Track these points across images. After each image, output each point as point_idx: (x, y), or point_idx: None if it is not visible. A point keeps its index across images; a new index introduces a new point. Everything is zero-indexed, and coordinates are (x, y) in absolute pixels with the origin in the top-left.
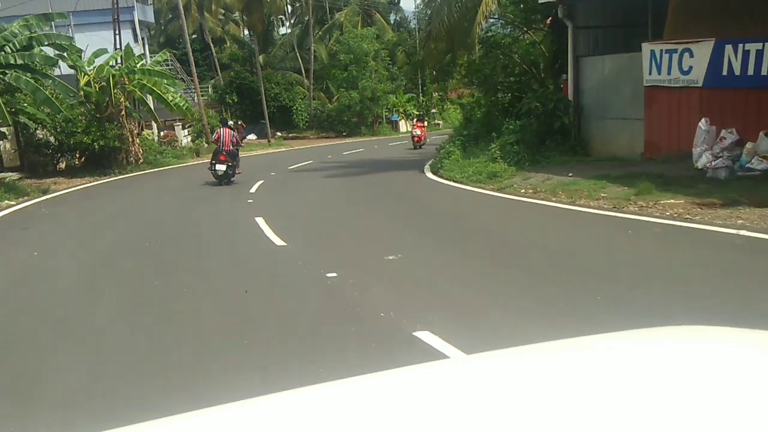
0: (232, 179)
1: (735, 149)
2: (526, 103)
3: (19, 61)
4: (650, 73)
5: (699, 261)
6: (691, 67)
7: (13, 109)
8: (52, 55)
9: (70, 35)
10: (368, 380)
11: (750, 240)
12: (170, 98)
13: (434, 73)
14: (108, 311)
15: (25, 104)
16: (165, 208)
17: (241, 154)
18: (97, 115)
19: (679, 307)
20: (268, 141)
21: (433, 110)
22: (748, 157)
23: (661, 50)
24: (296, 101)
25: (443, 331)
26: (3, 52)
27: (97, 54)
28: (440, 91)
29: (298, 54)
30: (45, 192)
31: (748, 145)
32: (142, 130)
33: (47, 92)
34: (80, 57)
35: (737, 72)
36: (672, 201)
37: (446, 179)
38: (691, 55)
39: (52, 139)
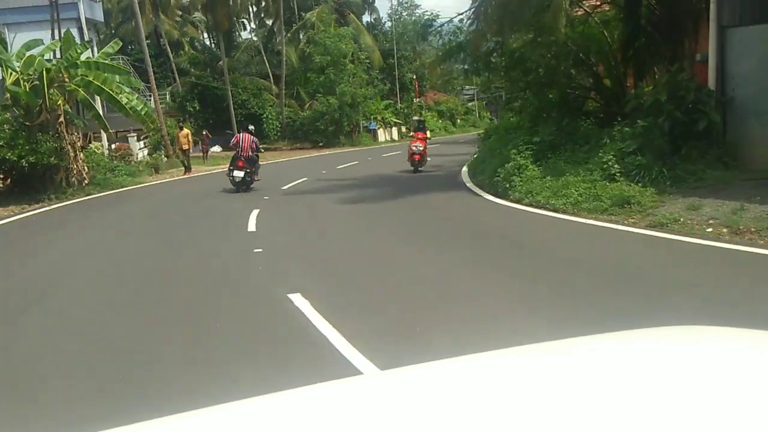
0: (251, 186)
1: None
2: (654, 95)
3: None
4: None
5: None
6: None
7: None
8: None
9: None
10: (368, 380)
11: None
12: (125, 100)
13: (475, 65)
14: None
15: None
16: (125, 271)
17: (207, 171)
18: (27, 123)
19: None
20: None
21: (415, 117)
22: None
23: None
24: (266, 109)
25: None
26: None
27: (28, 46)
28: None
29: (265, 58)
30: None
31: None
32: (89, 142)
33: None
34: (5, 49)
35: None
36: None
37: (528, 205)
38: None
39: None
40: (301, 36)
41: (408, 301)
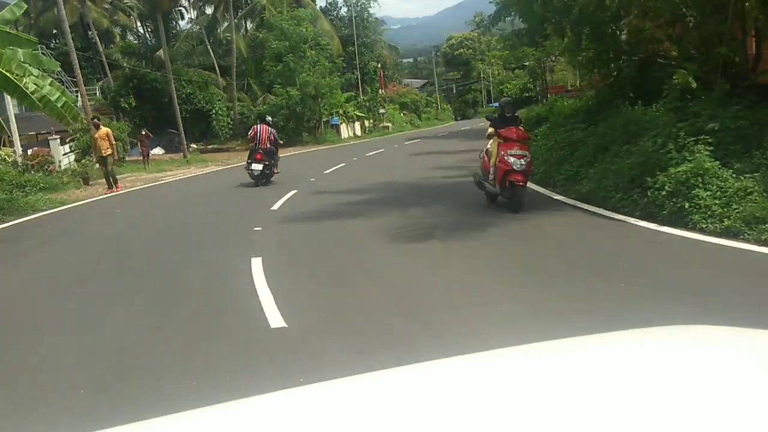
0: (271, 179)
1: None
2: None
3: None
4: None
5: None
6: None
7: None
8: None
9: None
10: (367, 380)
11: None
12: (31, 87)
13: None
14: None
15: None
16: None
17: (149, 181)
18: None
19: None
20: (184, 156)
21: (382, 111)
22: None
23: None
24: (214, 104)
25: None
26: None
27: None
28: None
29: (209, 47)
30: None
31: None
32: None
33: None
34: None
35: None
36: None
37: (747, 241)
38: None
39: None
40: (248, 23)
41: None
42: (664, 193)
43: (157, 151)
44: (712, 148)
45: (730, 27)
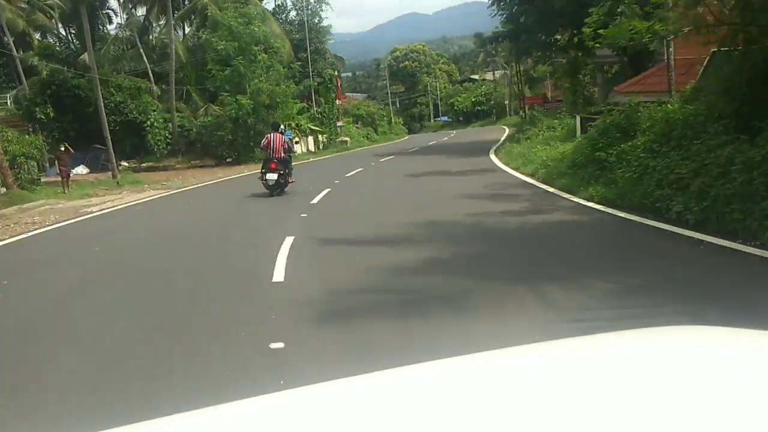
0: (285, 189)
1: None
2: None
3: None
4: None
5: None
6: None
7: None
8: None
9: None
10: (367, 380)
11: None
12: None
13: None
14: None
15: None
16: None
17: (62, 216)
18: None
19: None
20: (114, 176)
21: (339, 124)
22: None
23: None
24: (149, 114)
25: None
26: None
27: None
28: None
29: (142, 51)
30: None
31: None
32: None
33: None
34: None
35: None
36: None
37: None
38: None
39: None
40: (186, 26)
41: None
42: None
43: (80, 170)
44: None
45: None
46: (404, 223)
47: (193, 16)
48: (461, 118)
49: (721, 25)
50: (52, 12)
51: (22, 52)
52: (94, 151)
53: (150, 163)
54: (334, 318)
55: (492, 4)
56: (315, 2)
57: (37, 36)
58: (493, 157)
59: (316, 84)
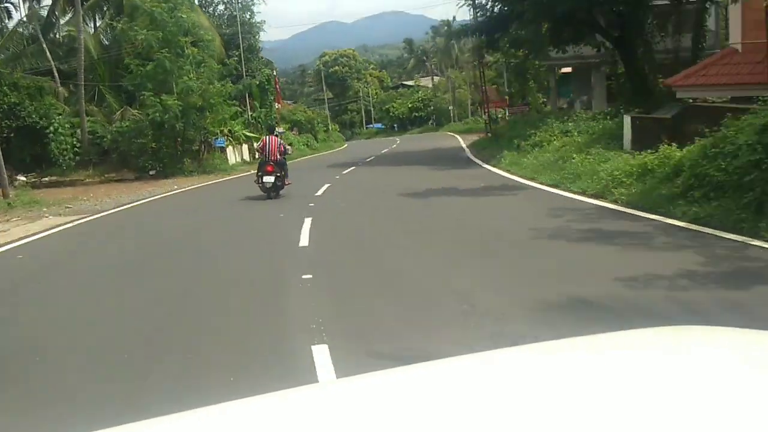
0: (280, 192)
1: None
2: None
3: None
4: None
5: None
6: None
7: None
8: None
9: None
10: (367, 380)
11: None
12: None
13: None
14: None
15: None
16: None
17: None
18: None
19: None
20: (4, 195)
21: (280, 130)
22: None
23: None
24: (52, 119)
25: None
26: None
27: None
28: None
29: (45, 47)
30: None
31: None
32: None
33: None
34: None
35: None
36: None
37: None
38: None
39: None
40: (98, 18)
41: None
42: None
43: None
44: None
45: None
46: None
47: (105, 7)
48: (396, 125)
49: None
50: None
51: None
52: None
53: (54, 177)
54: None
55: None
56: None
57: None
58: (493, 168)
59: (257, 81)
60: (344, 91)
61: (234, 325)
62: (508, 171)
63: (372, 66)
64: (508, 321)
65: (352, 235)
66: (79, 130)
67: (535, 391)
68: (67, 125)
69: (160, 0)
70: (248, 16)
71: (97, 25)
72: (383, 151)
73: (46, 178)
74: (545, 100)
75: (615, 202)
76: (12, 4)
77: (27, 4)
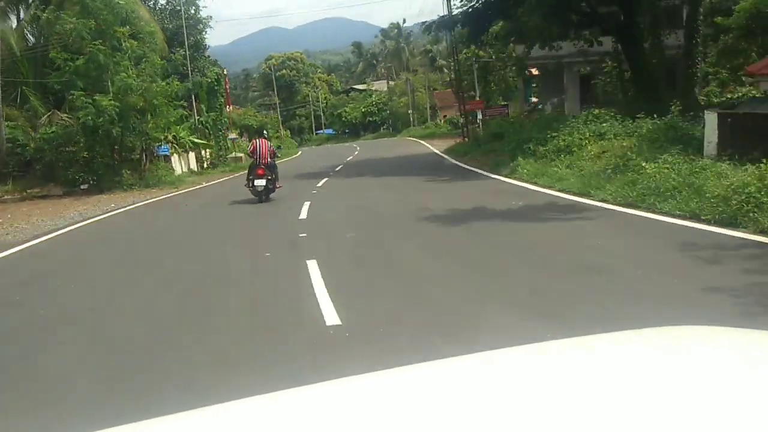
0: (270, 195)
1: None
2: None
3: None
4: None
5: None
6: None
7: None
8: None
9: None
10: (367, 380)
11: None
12: None
13: None
14: None
15: None
16: None
17: None
18: None
19: None
20: None
21: (233, 136)
22: None
23: None
24: None
25: None
26: None
27: None
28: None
29: None
30: None
31: None
32: None
33: None
34: None
35: None
36: None
37: None
38: None
39: None
40: (21, 11)
41: None
42: None
43: None
44: None
45: None
46: None
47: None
48: (347, 131)
49: None
50: None
51: None
52: None
53: None
54: None
55: None
56: None
57: None
58: (509, 179)
59: (208, 80)
60: (292, 96)
61: None
62: (534, 183)
63: (320, 70)
64: None
65: (402, 312)
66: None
67: (535, 391)
68: None
69: None
70: (193, 11)
71: (21, 17)
72: (348, 159)
73: None
74: (506, 104)
75: (765, 233)
76: None
77: None
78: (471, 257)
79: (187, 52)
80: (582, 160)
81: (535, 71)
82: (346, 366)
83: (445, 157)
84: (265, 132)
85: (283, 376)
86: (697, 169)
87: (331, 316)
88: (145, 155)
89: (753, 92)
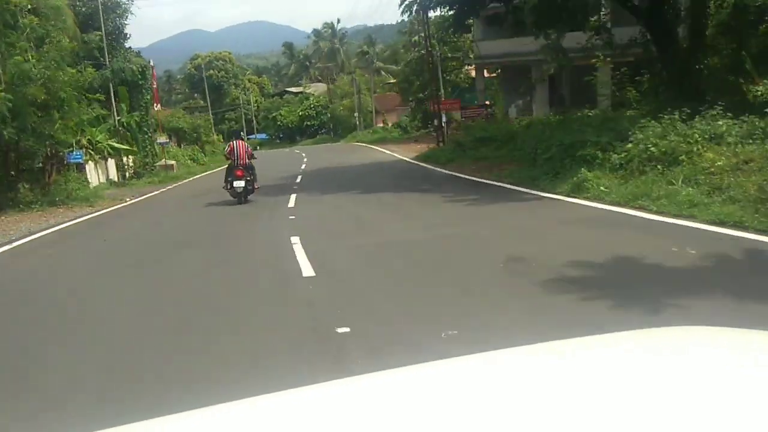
0: (247, 197)
1: None
2: None
3: None
4: None
5: None
6: None
7: None
8: None
9: None
10: (367, 380)
11: None
12: None
13: None
14: None
15: None
16: None
17: None
18: None
19: None
20: None
21: (163, 140)
22: None
23: None
24: None
25: None
26: None
27: None
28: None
29: None
30: None
31: None
32: None
33: None
34: None
35: None
36: None
37: None
38: None
39: None
40: None
41: None
42: None
43: None
44: None
45: None
46: None
47: None
48: (282, 135)
49: None
50: None
51: None
52: None
53: None
54: None
55: None
56: None
57: None
58: (584, 201)
59: (131, 69)
60: (220, 98)
61: None
62: (637, 207)
63: (249, 71)
64: None
65: None
66: None
67: (536, 391)
68: None
69: None
70: None
71: None
72: (303, 168)
73: None
74: (488, 103)
75: None
76: None
77: None
78: None
79: (104, 32)
80: (705, 174)
81: (486, 72)
82: None
83: (425, 165)
84: (240, 133)
85: None
86: None
87: None
88: (51, 164)
89: None
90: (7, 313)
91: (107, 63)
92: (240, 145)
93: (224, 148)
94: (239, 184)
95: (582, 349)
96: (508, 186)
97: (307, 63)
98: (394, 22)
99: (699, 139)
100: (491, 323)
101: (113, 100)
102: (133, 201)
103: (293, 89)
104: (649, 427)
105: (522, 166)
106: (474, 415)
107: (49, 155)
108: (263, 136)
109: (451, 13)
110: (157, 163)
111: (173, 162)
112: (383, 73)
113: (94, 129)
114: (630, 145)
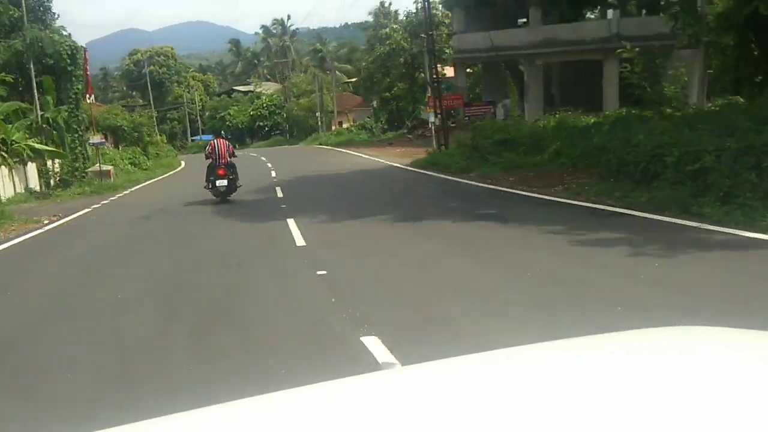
0: (229, 196)
1: None
2: None
3: None
4: None
5: None
6: None
7: None
8: None
9: None
10: (367, 380)
11: None
12: None
13: None
14: None
15: None
16: None
17: None
18: None
19: None
20: None
21: (97, 140)
22: None
23: None
24: None
25: None
26: None
27: None
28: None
29: None
30: None
31: None
32: None
33: None
34: None
35: None
36: None
37: None
38: None
39: None
40: None
41: None
42: None
43: None
44: None
45: None
46: None
47: None
48: (230, 137)
49: None
50: None
51: None
52: None
53: None
54: None
55: None
56: None
57: None
58: None
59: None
60: (162, 96)
61: None
62: None
63: (192, 69)
64: None
65: None
66: None
67: (536, 390)
68: None
69: None
70: None
71: None
72: (273, 177)
73: None
74: (491, 100)
75: None
76: None
77: None
78: None
79: (26, 21)
80: None
81: (450, 69)
82: None
83: (438, 175)
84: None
85: None
86: None
87: None
88: None
89: None
90: None
91: (25, 22)
92: (221, 144)
93: (206, 147)
94: (222, 183)
95: (582, 348)
96: (648, 215)
97: (256, 61)
98: (336, 26)
99: None
100: None
101: (35, 90)
102: (53, 224)
103: (242, 88)
104: (649, 427)
105: (603, 181)
106: (474, 415)
107: None
108: (208, 137)
109: None
110: (90, 169)
111: (110, 167)
112: (338, 72)
113: (9, 126)
114: None
